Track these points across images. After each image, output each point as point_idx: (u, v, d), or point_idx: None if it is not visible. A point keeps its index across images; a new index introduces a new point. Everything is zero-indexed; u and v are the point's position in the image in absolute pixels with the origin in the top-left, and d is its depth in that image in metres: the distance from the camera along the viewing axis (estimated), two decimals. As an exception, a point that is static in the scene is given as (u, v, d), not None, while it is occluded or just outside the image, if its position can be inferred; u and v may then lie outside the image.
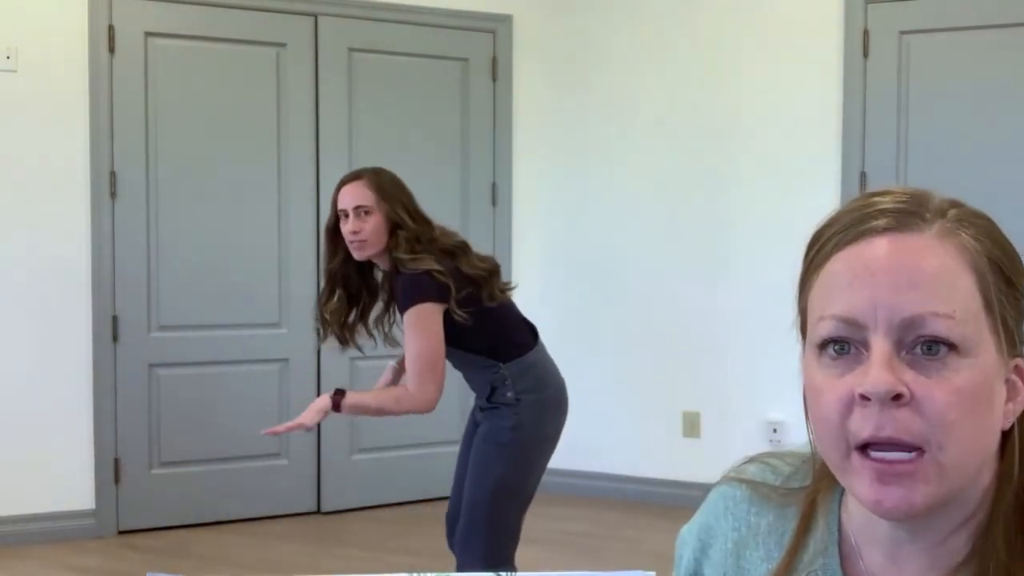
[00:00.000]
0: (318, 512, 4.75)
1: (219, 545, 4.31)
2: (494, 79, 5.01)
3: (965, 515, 0.81)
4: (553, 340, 5.08)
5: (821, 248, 0.83)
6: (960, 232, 0.79)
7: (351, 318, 2.91)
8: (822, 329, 0.80)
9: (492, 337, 2.82)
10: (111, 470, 4.40)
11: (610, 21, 4.94)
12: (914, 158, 4.38)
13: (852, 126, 4.47)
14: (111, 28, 4.34)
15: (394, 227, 2.80)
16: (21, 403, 4.25)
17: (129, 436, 4.42)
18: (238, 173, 4.57)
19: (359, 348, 2.96)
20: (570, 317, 5.09)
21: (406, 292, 2.71)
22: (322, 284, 3.01)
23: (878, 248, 0.78)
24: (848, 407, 0.77)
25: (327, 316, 2.88)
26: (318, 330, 3.04)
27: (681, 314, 4.82)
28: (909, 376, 0.75)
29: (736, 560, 0.93)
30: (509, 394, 2.82)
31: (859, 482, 0.77)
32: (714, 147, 4.74)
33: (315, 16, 4.67)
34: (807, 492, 0.91)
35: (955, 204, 0.81)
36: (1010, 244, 0.82)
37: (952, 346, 0.75)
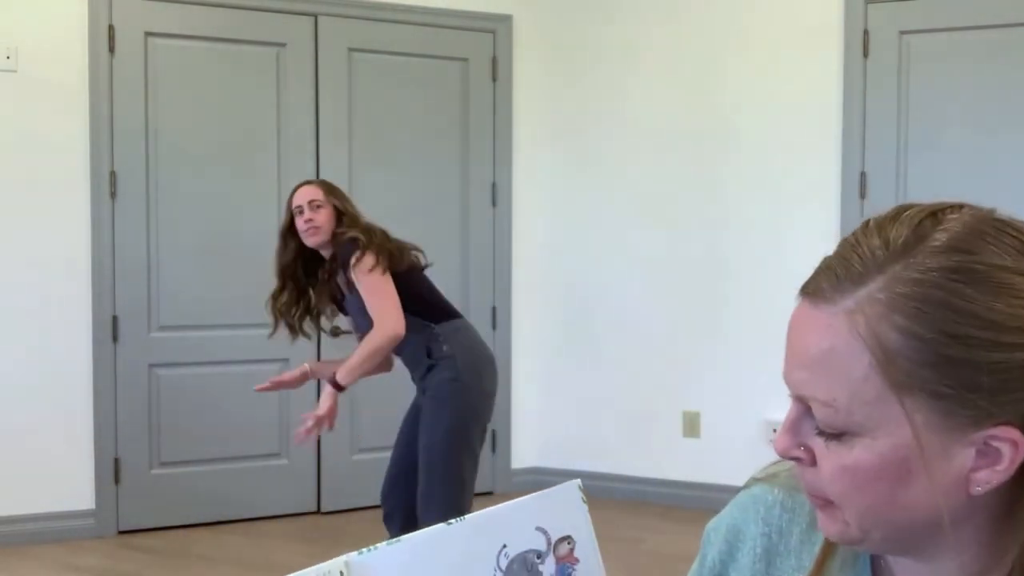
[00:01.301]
0: (318, 512, 4.75)
1: (219, 545, 4.31)
2: (494, 79, 5.01)
3: (971, 569, 0.79)
4: (553, 340, 5.11)
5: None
6: (879, 306, 0.72)
7: (298, 309, 3.29)
8: None
9: (423, 300, 3.20)
10: (111, 470, 4.40)
11: (610, 21, 4.95)
12: (914, 158, 4.38)
13: (852, 126, 4.47)
14: (111, 28, 4.34)
15: (340, 216, 3.25)
16: (21, 403, 4.25)
17: (129, 436, 4.42)
18: (238, 173, 4.57)
19: (307, 335, 3.34)
20: (570, 317, 5.09)
21: (346, 250, 3.12)
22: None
23: (797, 315, 0.78)
24: None
25: (280, 309, 3.26)
26: (275, 328, 3.33)
27: (681, 313, 4.82)
28: (814, 441, 0.77)
29: (766, 567, 0.91)
30: (445, 347, 3.15)
31: None
32: (714, 147, 4.74)
33: (315, 16, 4.67)
34: None
35: (907, 256, 0.72)
36: (978, 301, 0.70)
37: (837, 430, 0.75)
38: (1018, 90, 4.23)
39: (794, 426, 0.78)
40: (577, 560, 0.85)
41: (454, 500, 3.07)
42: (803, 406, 0.77)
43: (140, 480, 4.45)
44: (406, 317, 3.10)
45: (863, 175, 4.46)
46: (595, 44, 4.98)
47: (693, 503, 4.69)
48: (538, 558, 0.84)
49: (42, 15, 4.25)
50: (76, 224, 4.32)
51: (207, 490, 4.56)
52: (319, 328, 3.40)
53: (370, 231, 3.20)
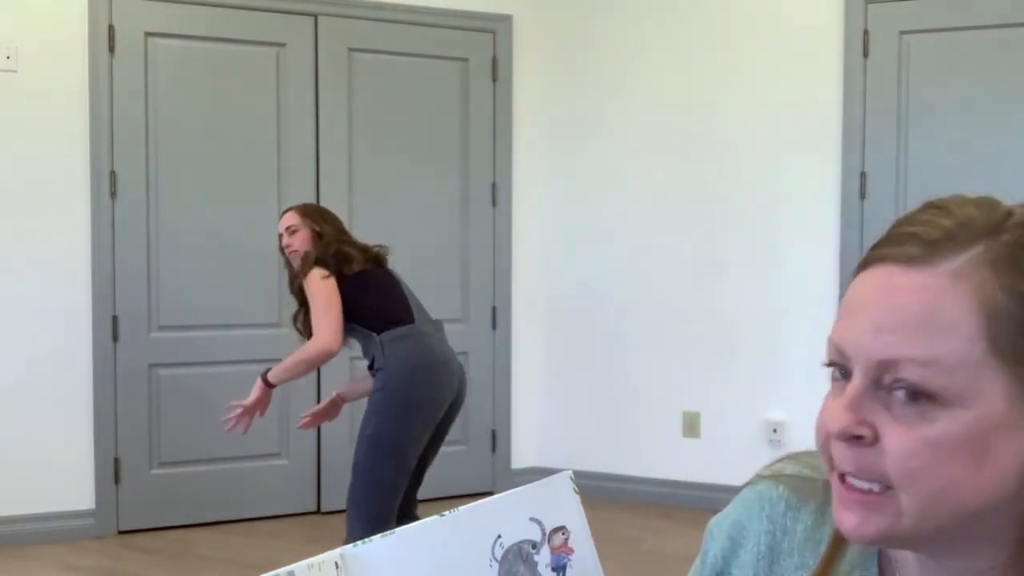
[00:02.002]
0: (318, 512, 4.75)
1: (219, 545, 4.31)
2: (494, 79, 5.01)
3: (990, 560, 0.78)
4: (553, 340, 5.11)
5: (858, 263, 0.80)
6: (988, 267, 0.72)
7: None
8: (826, 350, 0.78)
9: (370, 308, 3.25)
10: (111, 470, 4.40)
11: (610, 21, 4.94)
12: (914, 158, 4.38)
13: (852, 126, 4.47)
14: (111, 28, 4.34)
15: (317, 236, 3.35)
16: (21, 403, 4.25)
17: (129, 436, 4.42)
18: (238, 173, 4.57)
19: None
20: (570, 317, 5.09)
21: (298, 266, 3.31)
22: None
23: (877, 280, 0.75)
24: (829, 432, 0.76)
25: (299, 328, 3.39)
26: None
27: (681, 313, 4.82)
28: (879, 417, 0.73)
29: (769, 564, 0.90)
30: (381, 360, 3.21)
31: (833, 500, 0.77)
32: (714, 147, 4.74)
33: (315, 16, 4.67)
34: None
35: (1000, 227, 0.74)
36: None
37: (930, 396, 0.71)
38: (1018, 90, 4.23)
39: (857, 401, 0.73)
40: (572, 550, 0.85)
41: (376, 505, 3.16)
42: (868, 378, 0.73)
43: (140, 480, 4.45)
44: (352, 326, 3.23)
45: (863, 175, 4.46)
46: (595, 44, 4.98)
47: (693, 503, 4.69)
48: (533, 548, 0.84)
49: (42, 15, 4.25)
50: (76, 224, 4.32)
51: (207, 490, 4.56)
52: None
53: (327, 243, 3.31)
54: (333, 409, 3.52)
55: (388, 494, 3.19)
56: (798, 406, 4.58)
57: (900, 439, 0.72)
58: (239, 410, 3.29)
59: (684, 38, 4.80)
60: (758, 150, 4.65)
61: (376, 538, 0.81)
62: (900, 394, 0.72)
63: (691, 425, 4.84)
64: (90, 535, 4.35)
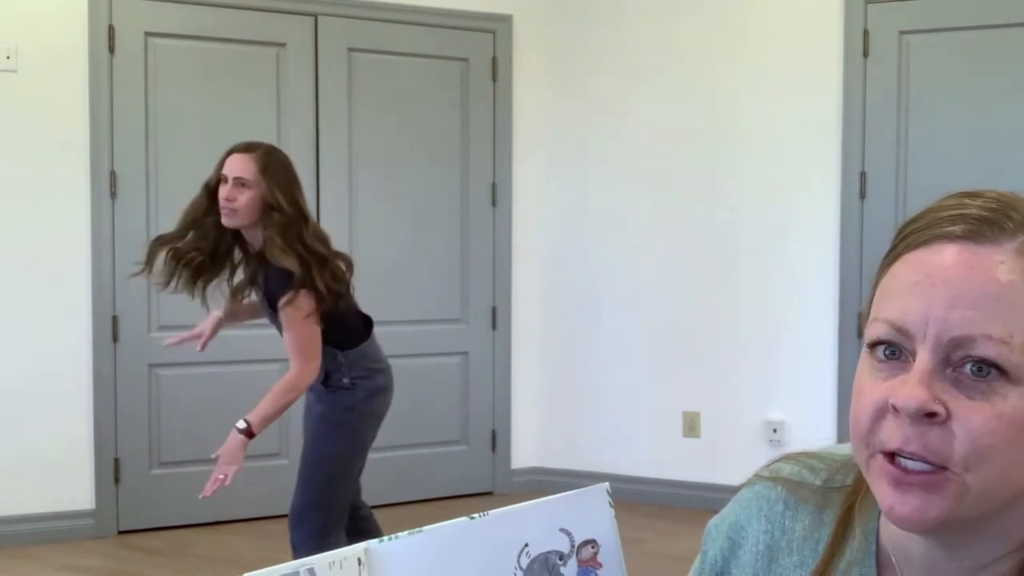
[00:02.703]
0: (318, 512, 4.74)
1: (219, 545, 4.31)
2: (494, 79, 5.01)
3: (1008, 546, 0.78)
4: (553, 340, 5.10)
5: (896, 246, 0.79)
6: None
7: (197, 272, 3.04)
8: (874, 330, 0.77)
9: (339, 327, 3.02)
10: (111, 470, 4.40)
11: (610, 21, 4.94)
12: (914, 158, 4.38)
13: (852, 126, 4.47)
14: (111, 28, 4.34)
15: (268, 208, 2.91)
16: (21, 403, 4.25)
17: (129, 436, 4.42)
18: (238, 173, 4.56)
19: (183, 293, 3.08)
20: (570, 317, 5.09)
21: (280, 284, 2.87)
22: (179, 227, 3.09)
23: (946, 257, 0.74)
24: (881, 413, 0.75)
25: (178, 259, 3.00)
26: (147, 265, 3.10)
27: (681, 313, 4.82)
28: (949, 395, 0.72)
29: (768, 564, 0.90)
30: (345, 380, 3.05)
31: (878, 485, 0.75)
32: (713, 146, 4.74)
33: (315, 16, 4.67)
34: (845, 495, 0.88)
35: None
36: None
37: (1003, 371, 0.71)
38: (1018, 90, 4.23)
39: (929, 378, 0.72)
40: (600, 565, 0.83)
41: (332, 520, 3.09)
42: (939, 356, 0.73)
43: (140, 480, 4.45)
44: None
45: (863, 175, 4.46)
46: (595, 44, 4.98)
47: (693, 503, 4.69)
48: (560, 560, 0.83)
49: (42, 15, 4.25)
50: (76, 224, 4.32)
51: (207, 490, 4.56)
52: (203, 294, 3.12)
53: (306, 261, 2.87)
54: (215, 329, 3.24)
55: (344, 509, 3.14)
56: (798, 406, 4.59)
57: (976, 415, 0.71)
58: (221, 479, 2.89)
59: (684, 37, 4.80)
60: (758, 149, 4.65)
61: (403, 535, 0.80)
62: (970, 371, 0.72)
63: (691, 425, 4.84)
64: (90, 535, 4.35)
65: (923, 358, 0.73)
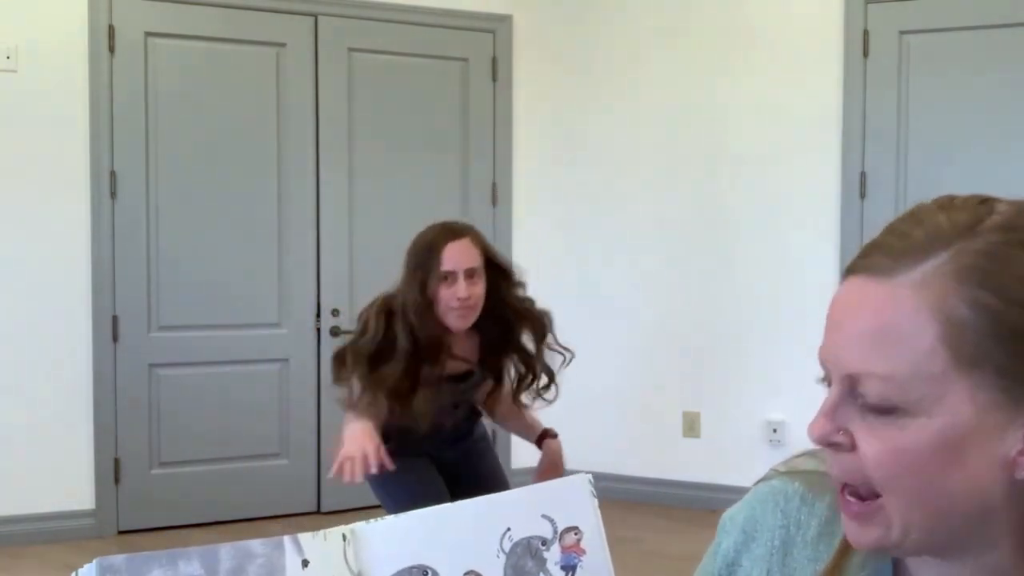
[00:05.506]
0: (318, 512, 4.74)
1: (219, 545, 4.31)
2: (494, 79, 5.01)
3: (1008, 553, 0.77)
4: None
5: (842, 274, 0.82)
6: (947, 279, 0.72)
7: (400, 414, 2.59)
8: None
9: None
10: (111, 470, 4.40)
11: (609, 21, 4.94)
12: (914, 158, 4.38)
13: (852, 126, 4.47)
14: (111, 28, 4.34)
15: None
16: (21, 403, 4.25)
17: (129, 436, 4.42)
18: (238, 173, 4.56)
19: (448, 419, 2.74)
20: (570, 317, 5.08)
21: (545, 321, 2.78)
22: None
23: (846, 293, 0.77)
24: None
25: (399, 395, 2.55)
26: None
27: (681, 314, 4.82)
28: (856, 424, 0.75)
29: (782, 558, 0.91)
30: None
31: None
32: (714, 147, 4.74)
33: (315, 16, 4.67)
34: None
35: (971, 233, 0.73)
36: None
37: (893, 406, 0.72)
38: (1018, 90, 4.23)
39: (833, 410, 0.75)
40: (584, 551, 0.85)
41: None
42: (843, 389, 0.75)
43: (140, 480, 4.45)
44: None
45: (863, 175, 4.46)
46: (595, 44, 4.98)
47: (693, 503, 4.69)
48: (543, 544, 0.84)
49: (42, 15, 4.25)
50: (76, 224, 4.32)
51: (207, 490, 4.56)
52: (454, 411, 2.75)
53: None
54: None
55: None
56: (798, 406, 4.58)
57: (872, 446, 0.74)
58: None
59: (684, 38, 4.80)
60: (758, 150, 4.65)
61: (389, 517, 0.82)
62: (870, 403, 0.74)
63: (691, 425, 4.84)
64: (90, 535, 4.35)
65: (833, 390, 0.76)
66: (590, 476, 0.87)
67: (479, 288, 2.57)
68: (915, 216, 0.76)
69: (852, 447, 0.75)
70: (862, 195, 4.45)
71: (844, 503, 0.77)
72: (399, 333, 2.53)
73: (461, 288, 2.53)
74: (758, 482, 0.96)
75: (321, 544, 0.79)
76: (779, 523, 0.92)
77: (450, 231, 2.63)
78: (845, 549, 0.86)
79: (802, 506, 0.91)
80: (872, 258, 0.75)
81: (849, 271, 0.77)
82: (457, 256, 2.55)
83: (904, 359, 0.72)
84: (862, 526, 0.76)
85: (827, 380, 0.78)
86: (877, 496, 0.75)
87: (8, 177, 4.23)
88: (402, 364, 2.52)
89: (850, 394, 0.75)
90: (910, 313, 0.72)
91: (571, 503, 0.86)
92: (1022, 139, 4.22)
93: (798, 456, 0.95)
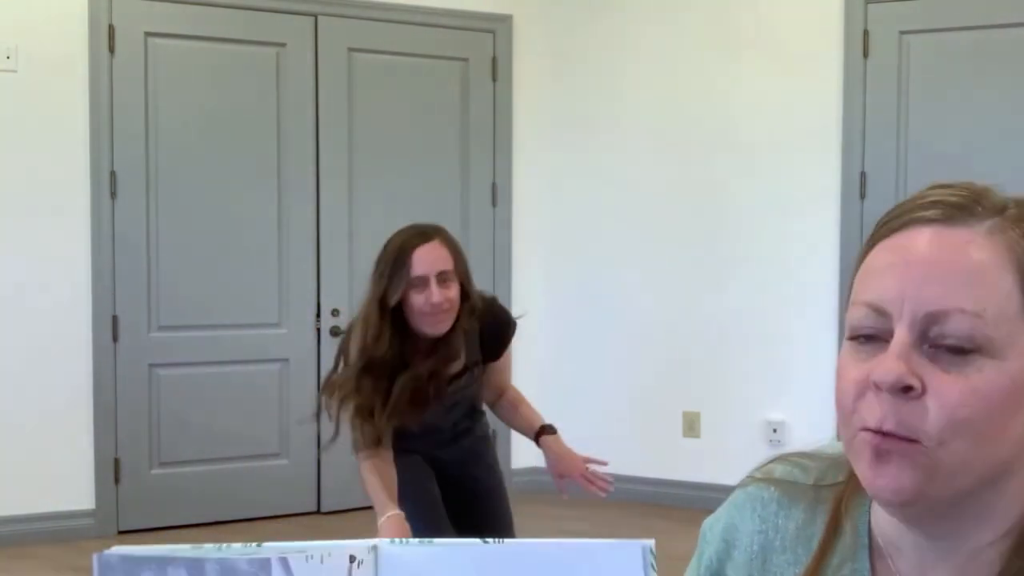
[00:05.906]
0: (318, 512, 4.74)
1: (219, 545, 4.31)
2: (494, 79, 5.01)
3: (993, 533, 0.79)
4: (553, 340, 5.10)
5: (873, 236, 0.82)
6: (1012, 230, 0.76)
7: (379, 413, 2.50)
8: (853, 314, 0.79)
9: None
10: (111, 470, 4.40)
11: (609, 21, 4.94)
12: (914, 158, 4.38)
13: (852, 126, 4.47)
14: (111, 28, 4.34)
15: (462, 292, 2.54)
16: (21, 403, 4.25)
17: (129, 436, 4.42)
18: (238, 173, 4.56)
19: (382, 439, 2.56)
20: (570, 317, 5.09)
21: (511, 329, 2.82)
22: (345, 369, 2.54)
23: (919, 239, 0.77)
24: (862, 392, 0.76)
25: (360, 414, 2.48)
26: (335, 429, 2.59)
27: (681, 314, 4.82)
28: (926, 369, 0.74)
29: (762, 563, 0.91)
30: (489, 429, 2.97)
31: (860, 462, 0.77)
32: (713, 147, 4.74)
33: (315, 16, 4.67)
34: (837, 491, 0.89)
35: (1019, 202, 0.79)
36: None
37: (978, 345, 0.73)
38: (1018, 90, 4.23)
39: (907, 351, 0.74)
40: None
41: None
42: (918, 330, 0.74)
43: (140, 480, 4.45)
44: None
45: (863, 175, 4.46)
46: (595, 44, 4.98)
47: (693, 503, 4.68)
48: None
49: (42, 15, 4.25)
50: (76, 224, 4.32)
51: (207, 490, 4.56)
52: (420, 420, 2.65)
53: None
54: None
55: None
56: (798, 406, 4.58)
57: (951, 388, 0.73)
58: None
59: (684, 38, 4.80)
60: (758, 150, 4.65)
61: (414, 541, 0.74)
62: (948, 344, 0.74)
63: (691, 425, 4.84)
64: (90, 535, 4.34)
65: (900, 334, 0.75)
66: (652, 544, 0.74)
67: (452, 291, 2.45)
68: (960, 185, 0.80)
69: (923, 392, 0.74)
70: (862, 195, 4.45)
71: (883, 439, 0.75)
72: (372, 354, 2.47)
73: (434, 293, 2.43)
74: (735, 488, 0.96)
75: (316, 569, 0.68)
76: (757, 528, 0.92)
77: (418, 233, 2.51)
78: (825, 549, 0.86)
79: (779, 510, 0.91)
80: (937, 210, 0.77)
81: (907, 224, 0.78)
82: (427, 259, 2.44)
83: (992, 298, 0.74)
84: (902, 464, 0.74)
85: (864, 335, 0.77)
86: (916, 442, 0.74)
87: (8, 177, 4.23)
88: (384, 383, 2.47)
89: (922, 338, 0.75)
90: (991, 256, 0.75)
91: (624, 571, 0.74)
92: (1022, 139, 4.22)
93: (772, 462, 0.95)
